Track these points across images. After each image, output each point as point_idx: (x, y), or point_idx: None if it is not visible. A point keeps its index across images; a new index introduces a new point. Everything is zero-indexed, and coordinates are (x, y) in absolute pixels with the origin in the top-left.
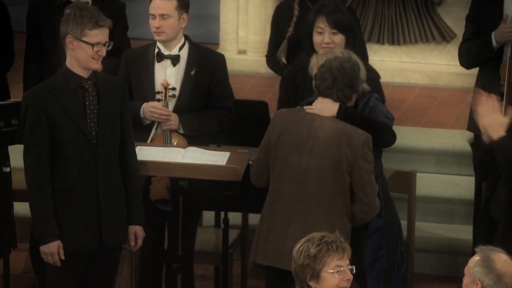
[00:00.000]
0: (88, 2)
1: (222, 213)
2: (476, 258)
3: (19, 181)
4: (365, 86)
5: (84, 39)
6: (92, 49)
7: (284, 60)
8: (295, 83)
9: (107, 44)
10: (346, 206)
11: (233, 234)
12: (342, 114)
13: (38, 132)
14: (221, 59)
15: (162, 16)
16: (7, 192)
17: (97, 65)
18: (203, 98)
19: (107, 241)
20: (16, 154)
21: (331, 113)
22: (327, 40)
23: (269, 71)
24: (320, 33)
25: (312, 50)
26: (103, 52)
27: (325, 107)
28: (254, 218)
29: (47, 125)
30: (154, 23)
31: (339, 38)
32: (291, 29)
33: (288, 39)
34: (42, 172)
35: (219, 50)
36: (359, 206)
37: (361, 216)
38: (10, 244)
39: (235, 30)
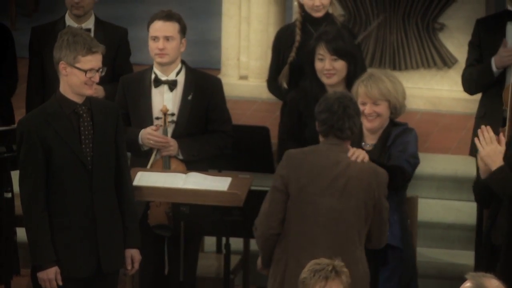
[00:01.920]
0: (90, 28)
1: (224, 239)
2: (467, 284)
3: (21, 206)
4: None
5: (77, 65)
6: (85, 75)
7: (285, 85)
8: (299, 109)
9: (100, 70)
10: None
11: (234, 260)
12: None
13: (33, 158)
14: (217, 83)
15: (166, 38)
16: (9, 218)
17: (90, 91)
18: (201, 123)
19: (105, 265)
20: (18, 179)
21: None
22: (327, 67)
23: (271, 96)
24: (321, 59)
25: (314, 76)
26: (96, 78)
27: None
28: (256, 244)
29: (42, 151)
30: (157, 45)
31: (340, 64)
32: (293, 54)
33: (289, 64)
34: (38, 199)
35: (221, 76)
36: (372, 243)
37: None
38: (13, 270)
39: (236, 56)
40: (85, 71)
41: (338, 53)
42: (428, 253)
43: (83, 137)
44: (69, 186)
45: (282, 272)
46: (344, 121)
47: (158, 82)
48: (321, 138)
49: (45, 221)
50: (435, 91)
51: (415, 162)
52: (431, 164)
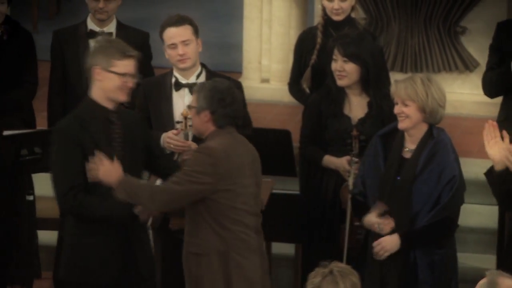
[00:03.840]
0: (111, 32)
1: None
2: (482, 281)
3: (42, 209)
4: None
5: (112, 69)
6: (120, 79)
7: (307, 88)
8: (320, 109)
9: (135, 76)
10: None
11: None
12: (406, 244)
13: (72, 162)
14: (238, 86)
15: (184, 42)
16: (31, 221)
17: (123, 97)
18: None
19: (143, 270)
20: (39, 182)
21: (394, 248)
22: (338, 68)
23: (292, 100)
24: (335, 60)
25: (333, 77)
26: (131, 83)
27: (385, 246)
28: (277, 247)
29: (80, 156)
30: (177, 51)
31: (351, 67)
32: (314, 56)
33: (311, 67)
34: (77, 197)
35: (242, 79)
36: None
37: None
38: (34, 274)
39: (258, 59)
40: (120, 75)
41: (348, 56)
42: (461, 258)
43: (115, 144)
44: (101, 192)
45: None
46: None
47: (178, 86)
48: (217, 130)
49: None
50: (457, 94)
51: (459, 195)
52: None
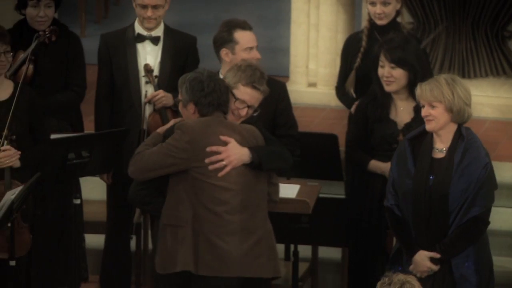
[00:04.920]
0: (159, 36)
1: (292, 246)
2: None
3: (89, 213)
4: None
5: (233, 91)
6: (235, 104)
7: (352, 92)
8: (366, 114)
9: (251, 108)
10: None
11: (303, 267)
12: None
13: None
14: (284, 87)
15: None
16: (78, 224)
17: (233, 117)
18: (269, 128)
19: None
20: (86, 186)
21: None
22: (386, 74)
23: (339, 104)
24: (382, 66)
25: (379, 82)
26: (244, 112)
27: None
28: (324, 251)
29: None
30: (255, 54)
31: (398, 72)
32: (358, 60)
33: (356, 71)
34: None
35: (289, 83)
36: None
37: None
38: (81, 277)
39: (305, 63)
40: (236, 100)
41: (396, 61)
42: (497, 262)
43: None
44: None
45: None
46: (225, 97)
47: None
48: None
49: None
50: (504, 99)
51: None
52: (500, 172)
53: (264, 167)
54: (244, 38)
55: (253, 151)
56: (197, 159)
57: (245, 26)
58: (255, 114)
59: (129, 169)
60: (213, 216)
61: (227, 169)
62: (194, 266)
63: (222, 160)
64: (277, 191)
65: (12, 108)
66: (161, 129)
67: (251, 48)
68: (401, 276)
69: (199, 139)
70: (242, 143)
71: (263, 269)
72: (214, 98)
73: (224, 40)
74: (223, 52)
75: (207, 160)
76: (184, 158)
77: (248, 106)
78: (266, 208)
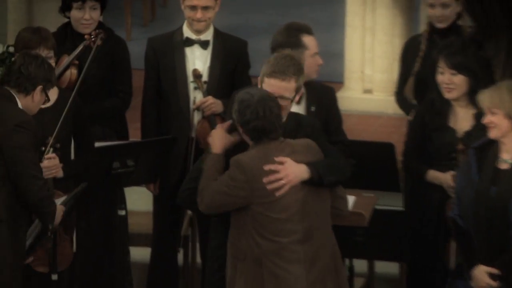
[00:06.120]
0: (208, 40)
1: (347, 260)
2: None
3: (135, 224)
4: None
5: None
6: None
7: (411, 97)
8: (424, 121)
9: (285, 99)
10: None
11: (358, 283)
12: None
13: None
14: (333, 92)
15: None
16: (123, 237)
17: None
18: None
19: None
20: (131, 196)
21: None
22: (446, 81)
23: (397, 111)
24: (442, 73)
25: (438, 89)
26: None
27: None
28: (380, 266)
29: None
30: (318, 60)
31: (459, 79)
32: (417, 64)
33: (415, 76)
34: None
35: (344, 89)
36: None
37: None
38: None
39: (360, 68)
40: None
41: (457, 67)
42: None
43: None
44: None
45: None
46: (275, 122)
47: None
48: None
49: None
50: None
51: None
52: None
53: (325, 182)
54: (311, 43)
55: (311, 166)
56: (256, 195)
57: (310, 31)
58: (312, 109)
59: (199, 207)
60: (277, 248)
61: (286, 188)
62: None
63: (281, 179)
64: (345, 204)
65: (63, 116)
66: (215, 146)
67: (316, 53)
68: None
69: (257, 177)
70: (299, 161)
71: None
72: (259, 124)
73: (291, 44)
74: None
75: (265, 180)
76: (243, 197)
77: (282, 97)
78: (330, 226)
